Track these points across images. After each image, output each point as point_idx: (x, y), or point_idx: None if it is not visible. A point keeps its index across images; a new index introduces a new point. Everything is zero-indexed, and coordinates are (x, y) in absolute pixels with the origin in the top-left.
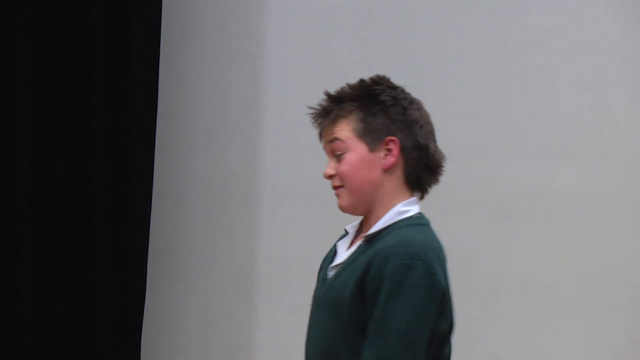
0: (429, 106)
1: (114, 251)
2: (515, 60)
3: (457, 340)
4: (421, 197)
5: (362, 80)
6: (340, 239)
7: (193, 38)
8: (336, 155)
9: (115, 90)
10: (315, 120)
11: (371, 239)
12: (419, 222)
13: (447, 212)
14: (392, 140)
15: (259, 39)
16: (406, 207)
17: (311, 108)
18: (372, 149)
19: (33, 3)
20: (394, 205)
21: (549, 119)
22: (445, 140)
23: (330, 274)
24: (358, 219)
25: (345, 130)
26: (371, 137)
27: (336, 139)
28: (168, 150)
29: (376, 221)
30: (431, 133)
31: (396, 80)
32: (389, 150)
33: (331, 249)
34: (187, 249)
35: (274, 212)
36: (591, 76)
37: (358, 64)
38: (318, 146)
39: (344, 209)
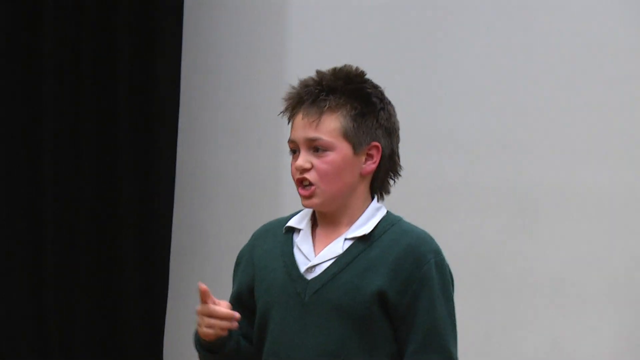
0: (450, 104)
1: (139, 251)
2: (536, 55)
3: (482, 341)
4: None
5: (346, 72)
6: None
7: (216, 36)
8: (313, 148)
9: (138, 88)
10: (296, 102)
11: (368, 238)
12: (400, 217)
13: (472, 211)
14: (376, 146)
15: (283, 37)
16: (378, 204)
17: (293, 88)
18: (356, 152)
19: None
20: (365, 206)
21: (572, 116)
22: (466, 137)
23: (313, 273)
24: (301, 214)
25: (332, 125)
26: (358, 139)
27: (320, 137)
28: (190, 148)
29: (352, 220)
30: (399, 141)
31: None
32: (370, 155)
33: (255, 246)
34: (210, 248)
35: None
36: (617, 72)
37: (382, 63)
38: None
39: (317, 207)
